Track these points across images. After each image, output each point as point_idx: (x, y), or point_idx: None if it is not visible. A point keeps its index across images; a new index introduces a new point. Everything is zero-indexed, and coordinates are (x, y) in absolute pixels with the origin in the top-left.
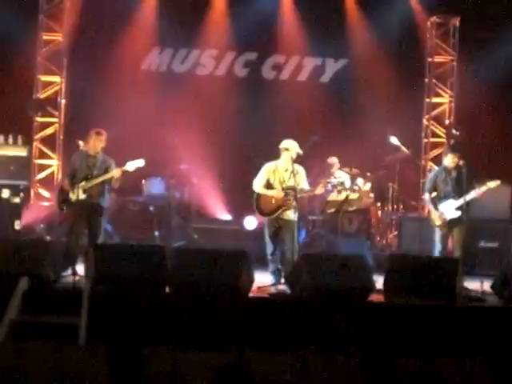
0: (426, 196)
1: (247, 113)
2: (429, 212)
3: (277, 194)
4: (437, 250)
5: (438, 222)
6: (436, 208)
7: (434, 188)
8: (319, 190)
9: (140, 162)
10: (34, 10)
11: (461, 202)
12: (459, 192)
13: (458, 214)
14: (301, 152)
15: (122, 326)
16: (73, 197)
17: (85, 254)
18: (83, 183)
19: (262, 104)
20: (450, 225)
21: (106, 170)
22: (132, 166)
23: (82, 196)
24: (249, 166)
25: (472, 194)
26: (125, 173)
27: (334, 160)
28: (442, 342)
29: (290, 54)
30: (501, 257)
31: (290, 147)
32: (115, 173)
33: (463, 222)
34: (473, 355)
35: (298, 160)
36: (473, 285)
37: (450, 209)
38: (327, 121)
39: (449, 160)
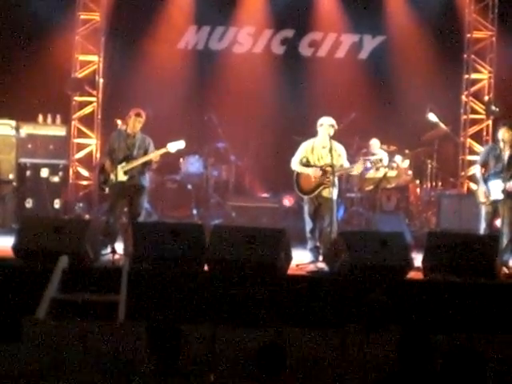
0: (477, 169)
1: (284, 90)
2: (472, 189)
3: (314, 172)
4: (482, 228)
5: (482, 199)
6: (483, 184)
7: (486, 163)
8: (356, 171)
9: (181, 144)
10: None
11: (508, 185)
12: (509, 174)
13: (503, 195)
14: (334, 123)
15: (160, 304)
16: (114, 178)
17: (124, 233)
18: (123, 164)
19: (300, 81)
20: (494, 204)
21: (146, 150)
22: (173, 147)
23: (124, 177)
24: (286, 144)
25: None
26: (165, 154)
27: (375, 141)
28: (481, 319)
29: (328, 30)
30: None
31: (323, 122)
32: (155, 155)
33: (508, 201)
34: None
35: (337, 137)
36: None
37: (496, 189)
38: (365, 98)
39: (500, 135)
